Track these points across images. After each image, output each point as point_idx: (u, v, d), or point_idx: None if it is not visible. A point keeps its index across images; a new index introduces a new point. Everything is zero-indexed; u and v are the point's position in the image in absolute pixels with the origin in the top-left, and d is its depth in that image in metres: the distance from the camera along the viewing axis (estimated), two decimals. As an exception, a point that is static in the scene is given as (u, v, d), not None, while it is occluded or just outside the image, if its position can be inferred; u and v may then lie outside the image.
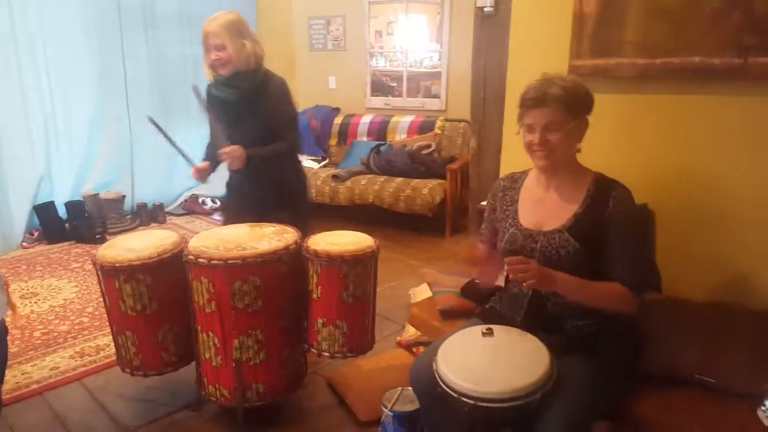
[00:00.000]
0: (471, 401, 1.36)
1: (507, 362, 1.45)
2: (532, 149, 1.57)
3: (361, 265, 1.96)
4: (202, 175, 2.45)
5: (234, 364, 1.93)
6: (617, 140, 2.01)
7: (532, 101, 1.53)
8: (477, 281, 1.87)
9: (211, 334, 1.94)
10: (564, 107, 1.50)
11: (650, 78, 1.85)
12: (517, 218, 1.67)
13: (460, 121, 4.76)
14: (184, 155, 2.33)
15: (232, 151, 2.25)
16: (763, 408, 1.43)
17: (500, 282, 1.77)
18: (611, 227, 1.53)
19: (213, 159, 2.43)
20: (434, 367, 1.50)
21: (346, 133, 5.33)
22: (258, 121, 2.31)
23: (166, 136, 2.25)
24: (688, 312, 1.74)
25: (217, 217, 4.95)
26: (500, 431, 1.41)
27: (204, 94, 2.38)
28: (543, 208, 1.64)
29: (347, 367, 2.41)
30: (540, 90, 1.52)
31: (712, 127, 1.82)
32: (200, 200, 5.17)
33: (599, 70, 1.94)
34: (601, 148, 1.99)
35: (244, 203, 2.41)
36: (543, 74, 1.58)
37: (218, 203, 5.00)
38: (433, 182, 4.35)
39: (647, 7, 1.84)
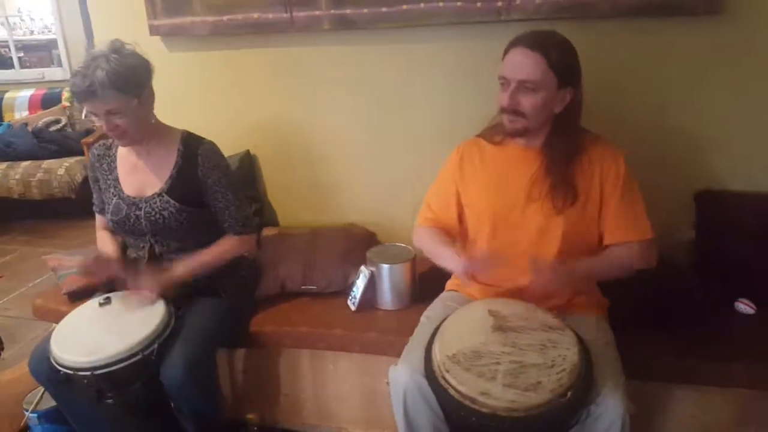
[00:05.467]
0: (88, 372, 1.37)
1: (122, 324, 1.49)
2: (110, 135, 1.56)
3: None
4: None
5: None
6: (209, 96, 2.12)
7: (83, 95, 1.42)
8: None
9: None
10: (116, 90, 1.43)
11: (223, 34, 1.98)
12: (119, 187, 1.67)
13: (90, 89, 4.36)
14: None
15: None
16: (349, 297, 1.81)
17: None
18: (207, 184, 1.62)
19: None
20: (50, 354, 1.45)
21: (-56, 120, 4.38)
22: None
23: None
24: (293, 239, 2.03)
25: None
26: (131, 391, 1.46)
27: None
28: (140, 174, 1.65)
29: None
30: (86, 78, 1.40)
31: (282, 76, 2.04)
32: None
33: (176, 28, 1.99)
34: (195, 105, 2.10)
35: None
36: (86, 50, 1.50)
37: None
38: (70, 160, 3.92)
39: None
